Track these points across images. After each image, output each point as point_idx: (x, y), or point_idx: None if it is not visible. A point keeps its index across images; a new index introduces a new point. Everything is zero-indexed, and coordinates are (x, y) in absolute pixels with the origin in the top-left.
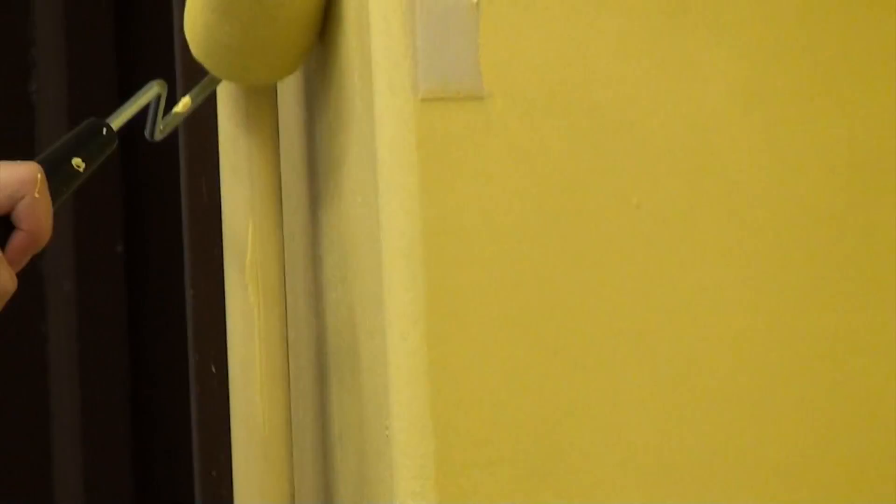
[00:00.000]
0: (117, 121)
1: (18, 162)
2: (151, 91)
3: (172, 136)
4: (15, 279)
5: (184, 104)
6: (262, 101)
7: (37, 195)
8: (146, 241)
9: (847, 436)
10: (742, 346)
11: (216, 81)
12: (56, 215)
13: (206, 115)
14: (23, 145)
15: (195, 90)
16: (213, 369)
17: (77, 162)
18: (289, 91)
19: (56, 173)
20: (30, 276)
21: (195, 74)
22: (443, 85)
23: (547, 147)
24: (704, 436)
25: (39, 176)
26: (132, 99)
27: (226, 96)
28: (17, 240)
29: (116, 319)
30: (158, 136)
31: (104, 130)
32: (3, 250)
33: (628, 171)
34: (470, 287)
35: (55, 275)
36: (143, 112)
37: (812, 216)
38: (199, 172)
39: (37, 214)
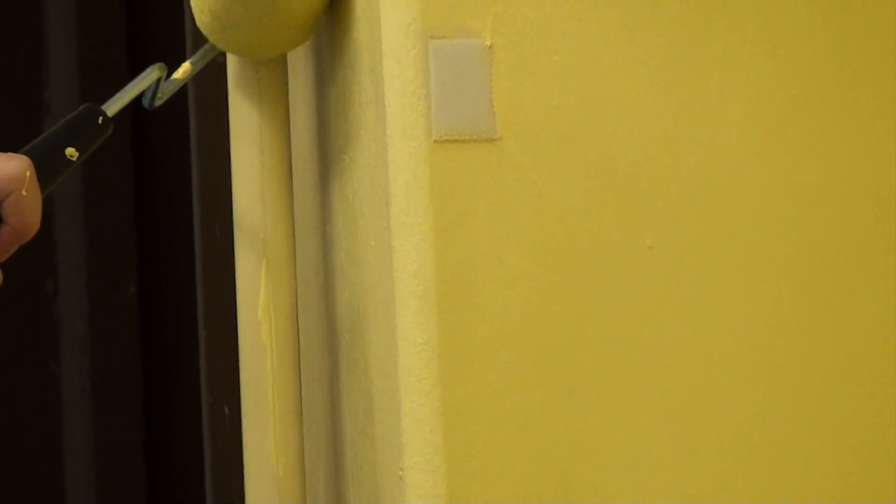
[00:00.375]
0: (114, 107)
1: (9, 155)
2: (151, 75)
3: (186, 185)
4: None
5: (183, 70)
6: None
7: (24, 193)
8: (159, 281)
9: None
10: (758, 388)
11: (216, 49)
12: (69, 256)
13: (219, 154)
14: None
15: (195, 56)
16: (227, 410)
17: (70, 151)
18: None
19: (48, 163)
20: (43, 318)
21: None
22: (456, 127)
23: (560, 188)
24: (722, 480)
25: (28, 173)
26: (131, 83)
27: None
28: (2, 234)
29: (130, 360)
30: (157, 104)
31: (100, 119)
32: None
33: (641, 212)
34: (483, 328)
35: (69, 316)
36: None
37: (825, 254)
38: (212, 214)
39: (23, 211)
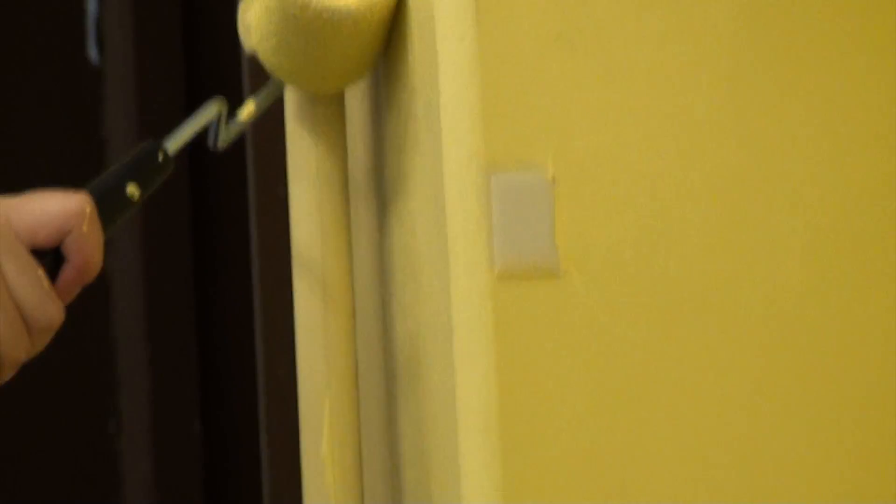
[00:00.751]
0: (174, 143)
1: (68, 193)
2: (211, 111)
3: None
4: (63, 311)
5: (247, 112)
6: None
7: (85, 229)
8: (223, 418)
9: None
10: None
11: (281, 87)
12: (133, 392)
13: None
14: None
15: (260, 95)
16: None
17: (132, 190)
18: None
19: (109, 201)
20: (106, 454)
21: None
22: (519, 262)
23: (624, 324)
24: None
25: (88, 209)
26: (191, 119)
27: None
28: (65, 273)
29: (193, 500)
30: (222, 146)
31: (160, 156)
32: (53, 283)
33: (707, 350)
34: (547, 468)
35: (131, 454)
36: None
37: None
38: (278, 355)
39: (85, 249)
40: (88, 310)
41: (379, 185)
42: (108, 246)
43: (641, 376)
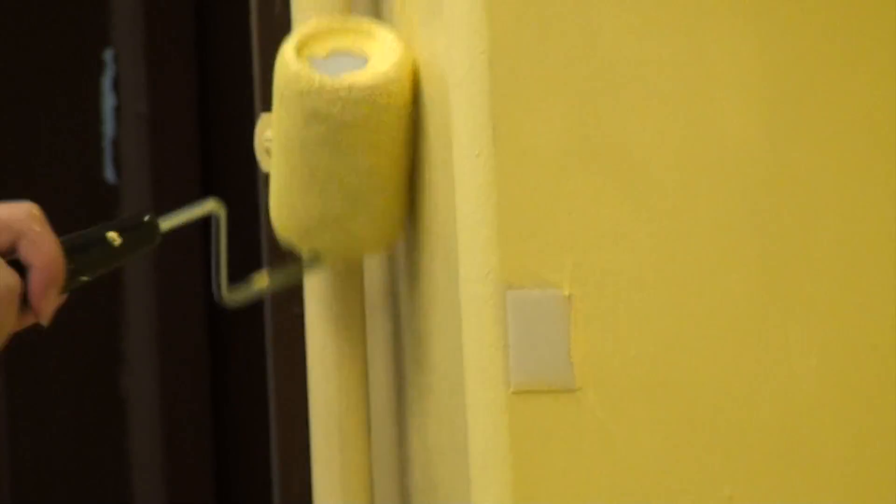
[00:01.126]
0: (167, 223)
1: (13, 202)
2: (206, 206)
3: (265, 454)
4: (16, 277)
5: (261, 279)
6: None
7: (37, 228)
8: None
9: None
10: None
11: (300, 276)
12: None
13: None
14: None
15: (278, 273)
16: None
17: (112, 235)
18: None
19: (90, 243)
20: None
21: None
22: (534, 378)
23: (638, 440)
24: None
25: (35, 212)
26: (187, 208)
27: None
28: (33, 277)
29: None
30: (228, 300)
31: (147, 218)
32: (24, 293)
33: (721, 462)
34: None
35: None
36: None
37: None
38: (293, 471)
39: (43, 247)
40: (104, 437)
41: (394, 304)
42: (124, 366)
43: (654, 491)
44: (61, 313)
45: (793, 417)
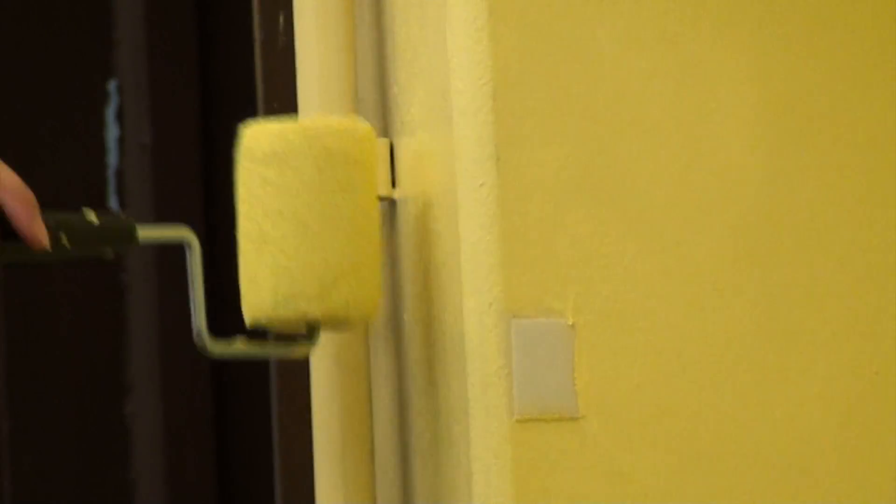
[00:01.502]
0: (144, 232)
1: None
2: (179, 231)
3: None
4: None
5: (241, 343)
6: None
7: None
8: None
9: None
10: None
11: (275, 353)
12: None
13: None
14: None
15: (257, 345)
16: None
17: (91, 215)
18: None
19: (69, 216)
20: None
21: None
22: (538, 406)
23: (642, 468)
24: None
25: None
26: (160, 225)
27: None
28: (9, 207)
29: None
30: (211, 349)
31: (128, 220)
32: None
33: (725, 491)
34: None
35: None
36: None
37: None
38: None
39: (4, 182)
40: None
41: (398, 332)
42: (128, 390)
43: None
44: (67, 340)
45: (796, 445)
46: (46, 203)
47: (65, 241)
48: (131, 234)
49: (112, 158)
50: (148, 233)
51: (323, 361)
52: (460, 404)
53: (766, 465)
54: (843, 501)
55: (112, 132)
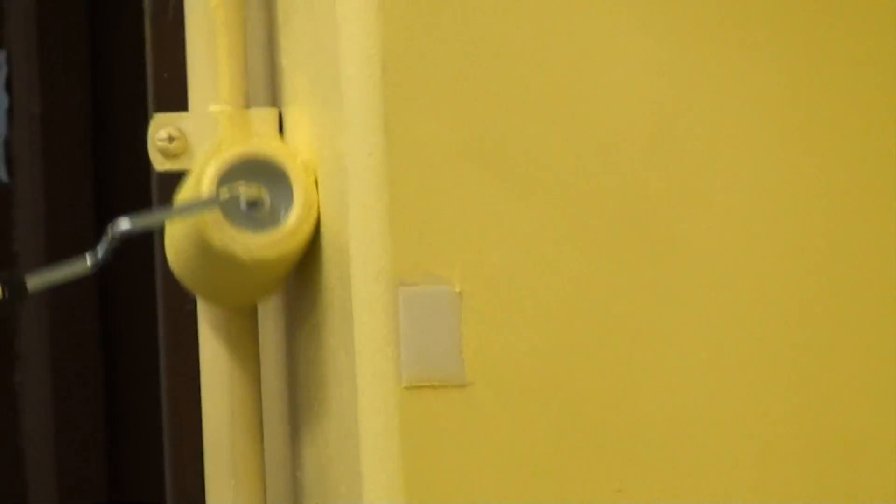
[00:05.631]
0: (35, 281)
1: None
2: (78, 266)
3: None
4: None
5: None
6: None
7: None
8: None
9: None
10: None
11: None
12: None
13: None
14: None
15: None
16: None
17: None
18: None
19: None
20: None
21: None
22: (426, 373)
23: (528, 435)
24: None
25: None
26: (60, 268)
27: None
28: None
29: None
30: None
31: (19, 278)
32: None
33: (610, 457)
34: None
35: None
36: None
37: None
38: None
39: None
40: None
41: (287, 302)
42: (17, 362)
43: (544, 487)
44: None
45: (679, 411)
46: None
47: None
48: (21, 296)
49: (1, 128)
50: (43, 281)
51: (210, 332)
52: (348, 372)
53: (650, 429)
54: (724, 463)
55: (1, 102)
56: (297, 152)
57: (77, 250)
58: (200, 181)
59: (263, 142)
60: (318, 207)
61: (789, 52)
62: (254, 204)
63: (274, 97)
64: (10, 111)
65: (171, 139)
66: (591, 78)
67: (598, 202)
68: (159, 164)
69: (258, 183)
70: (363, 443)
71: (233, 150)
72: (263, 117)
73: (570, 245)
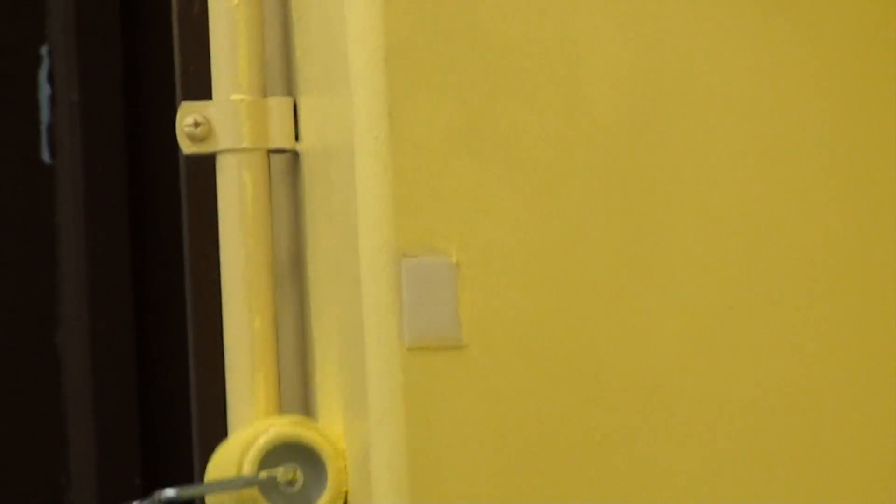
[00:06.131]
0: None
1: None
2: None
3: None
4: None
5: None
6: None
7: None
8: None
9: None
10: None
11: None
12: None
13: None
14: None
15: None
16: None
17: None
18: None
19: None
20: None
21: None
22: (427, 335)
23: (520, 393)
24: None
25: None
26: None
27: None
28: None
29: None
30: None
31: None
32: None
33: (593, 411)
34: None
35: None
36: None
37: None
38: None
39: None
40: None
41: (302, 274)
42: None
43: (538, 442)
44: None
45: (656, 371)
46: None
47: None
48: None
49: (45, 114)
50: None
51: (233, 301)
52: (357, 335)
53: (628, 386)
54: (697, 418)
55: (44, 91)
56: (332, 438)
57: (111, 223)
58: (243, 459)
59: (302, 425)
60: (347, 490)
61: (782, 38)
62: (289, 483)
63: (289, 87)
64: (53, 99)
65: (196, 125)
66: (581, 68)
67: (582, 182)
68: (186, 147)
69: (294, 464)
70: (371, 397)
71: (274, 432)
72: (279, 105)
73: (556, 219)
